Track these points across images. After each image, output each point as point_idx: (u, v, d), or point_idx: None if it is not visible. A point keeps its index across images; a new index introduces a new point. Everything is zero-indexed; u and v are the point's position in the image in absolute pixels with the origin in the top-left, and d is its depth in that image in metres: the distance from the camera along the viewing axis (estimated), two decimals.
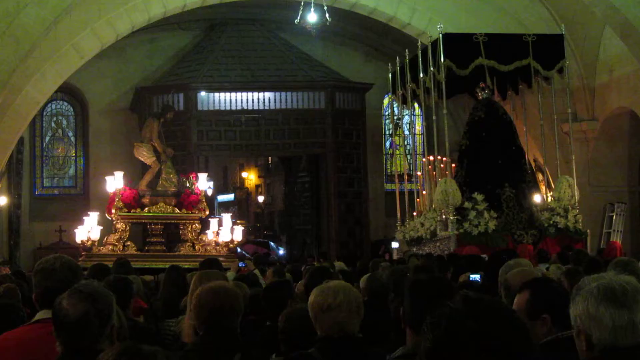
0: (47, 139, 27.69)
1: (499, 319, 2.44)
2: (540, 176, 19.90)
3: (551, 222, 16.59)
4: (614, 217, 21.06)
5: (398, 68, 19.26)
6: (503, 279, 5.06)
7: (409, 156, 26.49)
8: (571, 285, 4.13)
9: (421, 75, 17.49)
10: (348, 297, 4.28)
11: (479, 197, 16.27)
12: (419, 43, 18.09)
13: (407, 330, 4.04)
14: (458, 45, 16.99)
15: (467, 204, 16.24)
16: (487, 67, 16.78)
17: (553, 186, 18.25)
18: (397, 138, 28.70)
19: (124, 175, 18.40)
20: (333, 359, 4.20)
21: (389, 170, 28.68)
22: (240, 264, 15.68)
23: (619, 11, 18.08)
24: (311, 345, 4.43)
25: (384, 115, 28.74)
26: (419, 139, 26.89)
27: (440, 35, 16.75)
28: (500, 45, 17.08)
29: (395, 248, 16.41)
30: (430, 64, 16.96)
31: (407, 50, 18.73)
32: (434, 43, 16.97)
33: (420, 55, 17.62)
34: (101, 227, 17.97)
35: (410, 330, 4.00)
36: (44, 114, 27.20)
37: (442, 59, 16.52)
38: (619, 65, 19.75)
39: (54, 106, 27.49)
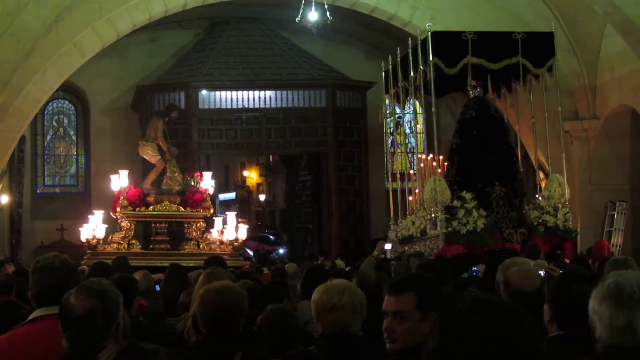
0: (49, 137, 27.70)
1: (508, 320, 2.43)
2: (541, 175, 19.88)
3: (540, 220, 16.55)
4: (615, 215, 21.06)
5: (390, 66, 19.24)
6: (503, 277, 5.07)
7: (410, 155, 26.46)
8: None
9: (412, 73, 17.47)
10: (353, 297, 4.30)
11: (467, 195, 16.24)
12: (409, 42, 18.07)
13: None
14: (446, 43, 16.95)
15: (456, 202, 16.22)
16: (474, 66, 16.74)
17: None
18: (397, 136, 28.68)
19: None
20: (334, 357, 4.21)
21: (390, 169, 28.65)
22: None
23: (620, 9, 18.06)
24: (289, 344, 4.44)
25: (386, 113, 28.70)
26: (419, 138, 26.88)
27: (429, 33, 16.72)
28: (489, 43, 17.00)
29: (388, 249, 16.35)
30: (420, 62, 16.92)
31: (398, 49, 18.70)
32: (424, 41, 16.95)
33: (410, 53, 17.59)
34: (106, 226, 18.04)
35: None
36: (45, 112, 27.20)
37: (430, 57, 16.50)
38: (620, 63, 19.74)
39: (55, 105, 27.49)
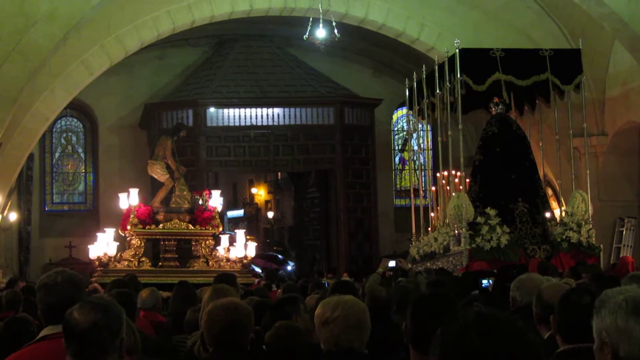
0: (57, 155, 27.79)
1: (509, 337, 2.38)
2: (549, 191, 19.82)
3: (564, 237, 16.49)
4: (624, 232, 20.98)
5: (415, 83, 19.19)
6: (535, 294, 5.03)
7: (417, 171, 26.44)
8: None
9: (437, 90, 17.44)
10: (347, 311, 4.25)
11: (491, 212, 16.19)
12: (436, 58, 18.01)
13: (410, 348, 4.00)
14: (475, 60, 16.92)
15: (479, 219, 16.18)
16: (504, 82, 16.67)
17: (563, 201, 18.18)
18: (406, 153, 28.69)
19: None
20: None
21: (398, 186, 28.67)
22: None
23: (627, 25, 18.05)
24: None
25: (393, 130, 28.73)
26: (428, 154, 26.87)
27: (457, 50, 16.68)
28: (517, 60, 16.97)
29: (392, 267, 16.27)
30: (447, 79, 16.92)
31: (424, 66, 18.66)
32: (451, 58, 16.91)
33: (437, 70, 17.55)
34: (117, 244, 18.12)
35: (412, 348, 3.96)
36: (54, 130, 27.30)
37: (458, 74, 16.47)
38: (629, 79, 19.72)
39: (63, 122, 27.59)
